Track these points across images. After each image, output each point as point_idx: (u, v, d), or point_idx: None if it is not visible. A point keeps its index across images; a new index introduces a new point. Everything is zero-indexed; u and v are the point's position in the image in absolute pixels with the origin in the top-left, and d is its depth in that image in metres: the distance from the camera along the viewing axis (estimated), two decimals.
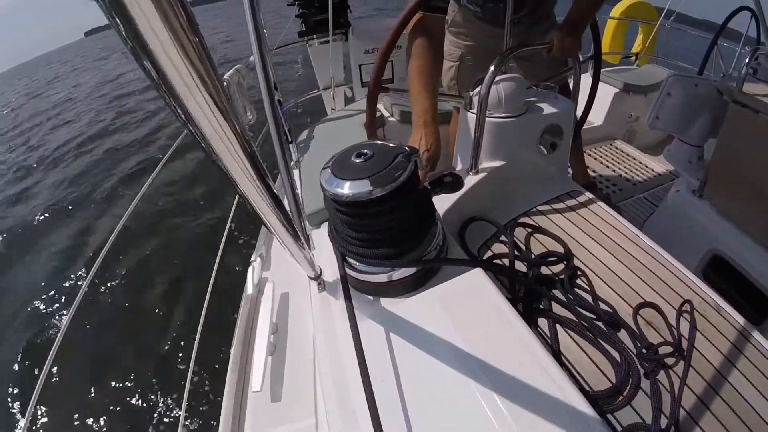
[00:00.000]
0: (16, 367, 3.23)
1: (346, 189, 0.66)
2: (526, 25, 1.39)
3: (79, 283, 4.13)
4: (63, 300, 3.87)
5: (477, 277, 0.74)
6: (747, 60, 1.35)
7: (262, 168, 0.44)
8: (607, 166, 2.43)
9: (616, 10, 4.09)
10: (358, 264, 0.78)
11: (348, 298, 0.73)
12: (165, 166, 1.63)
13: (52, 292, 4.02)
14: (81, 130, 9.85)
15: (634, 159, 2.51)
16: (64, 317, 3.68)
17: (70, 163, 7.92)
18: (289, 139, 1.88)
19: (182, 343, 2.97)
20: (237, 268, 2.70)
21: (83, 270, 4.29)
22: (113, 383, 2.87)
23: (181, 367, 2.81)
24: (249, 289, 1.24)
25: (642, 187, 2.26)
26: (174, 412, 2.56)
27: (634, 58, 3.58)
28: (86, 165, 7.47)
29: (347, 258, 0.80)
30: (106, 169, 7.03)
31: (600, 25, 1.45)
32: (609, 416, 0.71)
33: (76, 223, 5.42)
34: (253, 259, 1.37)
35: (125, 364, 2.97)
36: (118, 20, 0.25)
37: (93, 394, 2.81)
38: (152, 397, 2.70)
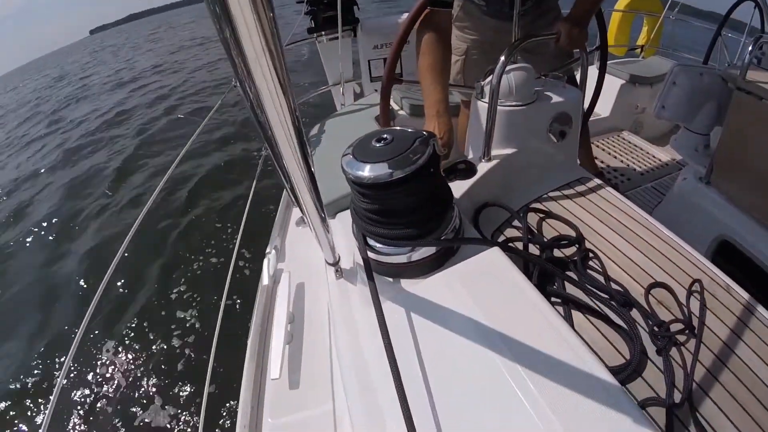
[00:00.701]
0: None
1: (367, 171, 0.68)
2: (532, 16, 1.40)
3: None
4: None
5: (495, 255, 0.74)
6: (750, 48, 1.37)
7: (305, 147, 0.46)
8: (615, 157, 2.44)
9: (621, 3, 4.08)
10: (377, 245, 0.80)
11: (371, 278, 0.74)
12: (178, 162, 1.65)
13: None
14: (101, 106, 11.01)
15: (641, 149, 2.52)
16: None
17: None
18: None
19: (201, 339, 3.00)
20: (249, 256, 2.70)
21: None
22: (131, 368, 2.92)
23: (202, 358, 2.84)
24: (265, 280, 1.25)
25: (650, 176, 2.27)
26: (196, 399, 2.59)
27: (639, 50, 3.58)
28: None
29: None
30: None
31: (605, 18, 1.47)
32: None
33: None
34: (267, 251, 1.38)
35: (143, 354, 3.02)
36: None
37: (105, 384, 2.85)
38: (174, 388, 2.73)
